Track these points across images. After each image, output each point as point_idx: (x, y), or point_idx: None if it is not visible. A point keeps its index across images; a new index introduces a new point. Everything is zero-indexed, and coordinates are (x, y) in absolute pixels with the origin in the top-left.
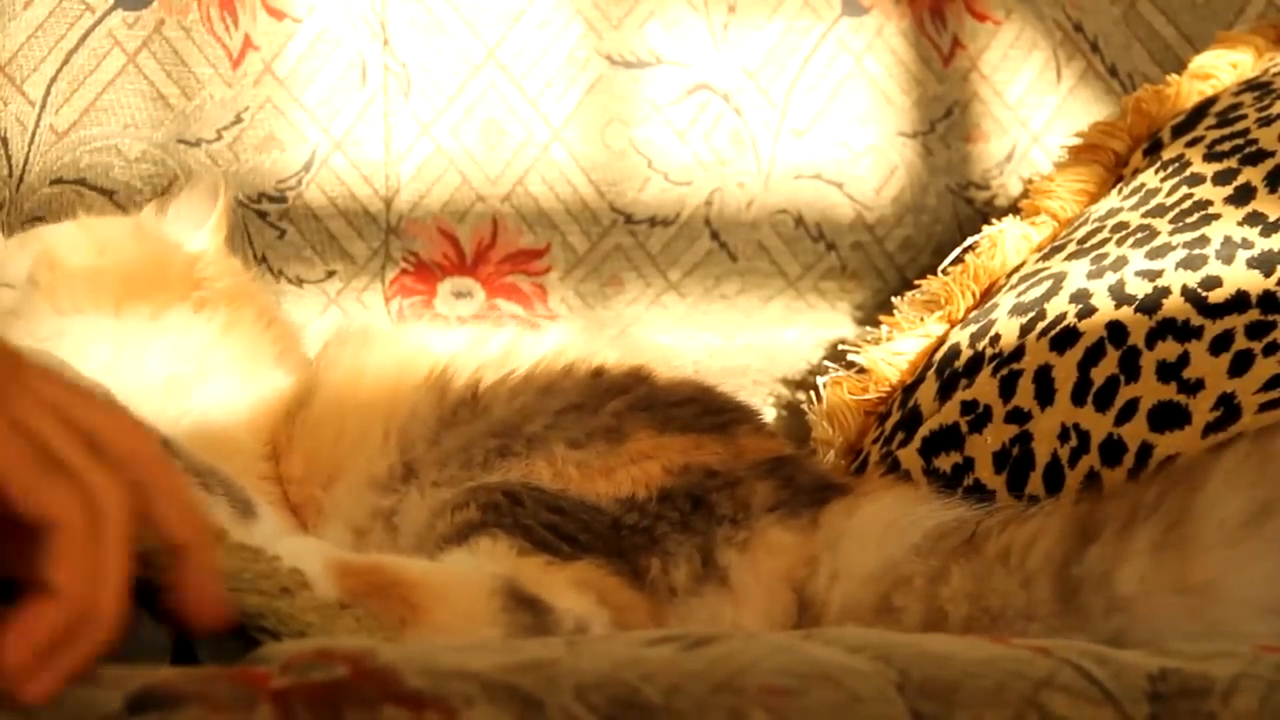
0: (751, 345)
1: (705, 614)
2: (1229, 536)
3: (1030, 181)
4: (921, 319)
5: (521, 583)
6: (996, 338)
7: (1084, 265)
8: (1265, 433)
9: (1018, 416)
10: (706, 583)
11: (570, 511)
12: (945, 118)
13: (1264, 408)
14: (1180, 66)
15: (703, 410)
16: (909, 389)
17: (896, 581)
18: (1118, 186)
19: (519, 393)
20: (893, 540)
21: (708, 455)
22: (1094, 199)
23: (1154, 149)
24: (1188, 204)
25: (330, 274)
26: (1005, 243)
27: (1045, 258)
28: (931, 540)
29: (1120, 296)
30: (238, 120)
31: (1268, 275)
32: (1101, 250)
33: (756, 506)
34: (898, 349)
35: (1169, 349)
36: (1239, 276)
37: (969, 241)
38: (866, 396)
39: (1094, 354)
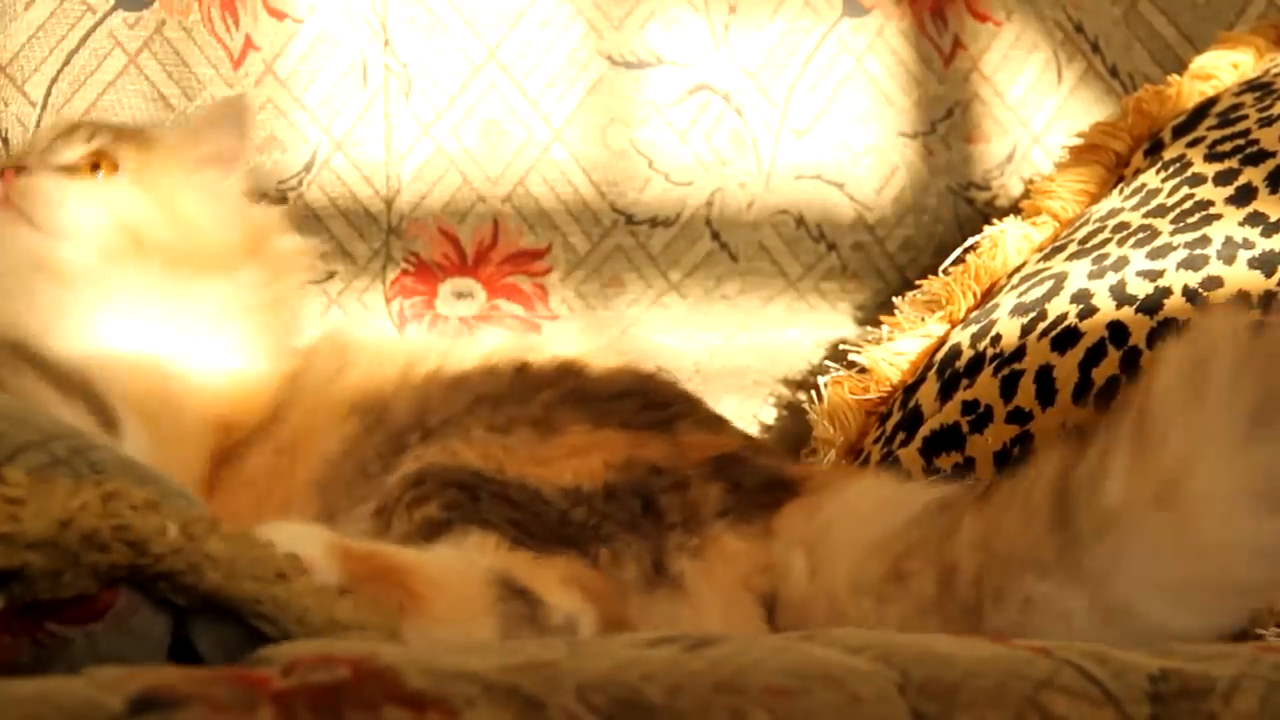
0: (752, 345)
1: (660, 616)
2: (1180, 415)
3: (1031, 182)
4: (922, 319)
5: (515, 575)
6: (997, 338)
7: (1085, 265)
8: (1187, 324)
9: (1019, 416)
10: (659, 586)
11: (521, 503)
12: (946, 118)
13: None
14: (1181, 67)
15: (642, 404)
16: (910, 389)
17: (907, 548)
18: (1119, 187)
19: (422, 390)
20: (888, 514)
21: (651, 452)
22: (1095, 199)
23: (1155, 149)
24: (1189, 204)
25: (331, 274)
26: (1006, 243)
27: (1046, 258)
28: (936, 509)
29: (1121, 297)
30: None
31: (1269, 276)
32: (1103, 250)
33: (706, 513)
34: (899, 349)
35: None
36: (1240, 277)
37: (970, 242)
38: (868, 396)
39: (1095, 354)
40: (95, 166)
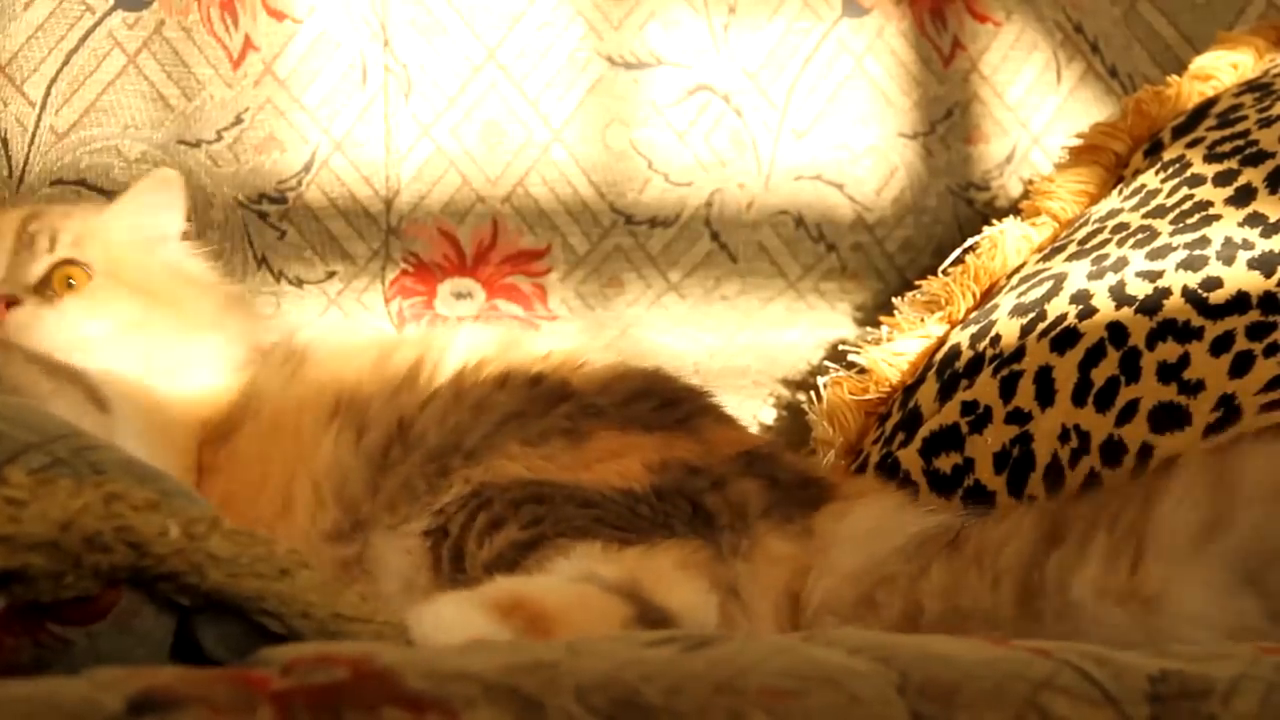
0: (752, 346)
1: (724, 619)
2: (1176, 551)
3: (1031, 182)
4: (922, 320)
5: (645, 589)
6: (997, 338)
7: (1084, 266)
8: (1220, 450)
9: (1018, 417)
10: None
11: (596, 502)
12: (946, 119)
13: (1265, 409)
14: (1181, 67)
15: (659, 403)
16: (909, 389)
17: (881, 579)
18: (1118, 187)
19: (450, 413)
20: (878, 541)
21: (682, 452)
22: (1094, 200)
23: (1154, 150)
24: (1188, 205)
25: (330, 275)
26: (1006, 243)
27: (1046, 258)
28: (916, 544)
29: (1121, 297)
30: (238, 121)
31: (1268, 276)
32: (1102, 251)
33: (751, 513)
34: (898, 349)
35: (1169, 350)
36: (1239, 277)
37: (969, 242)
38: (867, 397)
39: (1094, 355)
40: (67, 276)
